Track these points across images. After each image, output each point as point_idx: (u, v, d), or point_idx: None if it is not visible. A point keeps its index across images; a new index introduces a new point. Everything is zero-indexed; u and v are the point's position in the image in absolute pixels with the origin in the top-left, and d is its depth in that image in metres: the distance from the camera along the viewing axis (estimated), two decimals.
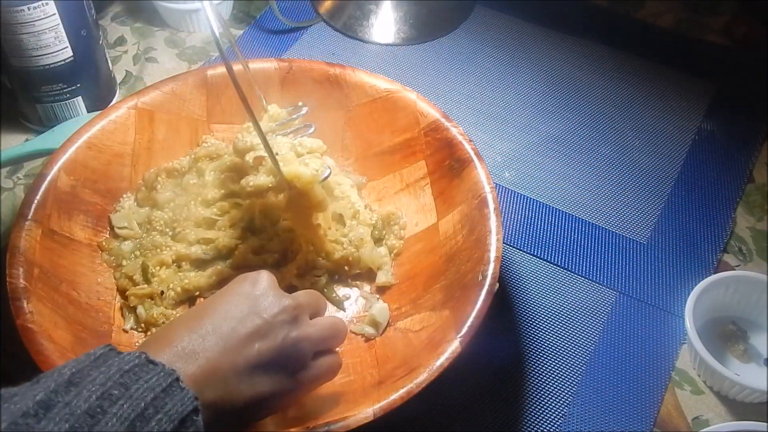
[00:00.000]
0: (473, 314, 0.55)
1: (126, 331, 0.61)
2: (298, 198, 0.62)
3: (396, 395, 0.51)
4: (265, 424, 0.54)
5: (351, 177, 0.71)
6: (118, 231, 0.66)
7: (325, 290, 0.65)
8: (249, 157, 0.64)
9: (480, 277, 0.57)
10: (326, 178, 0.62)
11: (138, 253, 0.65)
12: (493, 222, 0.60)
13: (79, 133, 0.66)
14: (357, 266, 0.66)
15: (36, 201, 0.61)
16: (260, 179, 0.62)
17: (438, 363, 0.52)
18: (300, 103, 0.70)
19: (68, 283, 0.60)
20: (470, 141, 0.66)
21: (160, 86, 0.70)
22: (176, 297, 0.62)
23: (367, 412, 0.50)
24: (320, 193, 0.62)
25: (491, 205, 0.61)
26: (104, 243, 0.65)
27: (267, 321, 0.47)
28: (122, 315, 0.62)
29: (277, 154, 0.61)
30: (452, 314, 0.57)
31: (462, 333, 0.54)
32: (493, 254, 0.58)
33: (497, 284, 0.56)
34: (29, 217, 0.60)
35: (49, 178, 0.63)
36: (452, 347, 0.53)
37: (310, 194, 0.62)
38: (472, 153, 0.65)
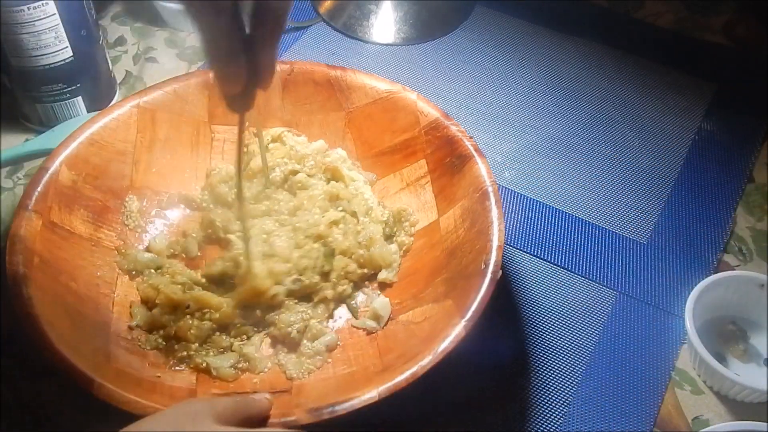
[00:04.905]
0: (477, 299, 0.55)
1: (131, 328, 0.61)
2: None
3: (401, 377, 0.51)
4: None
5: (362, 173, 0.71)
6: (151, 246, 0.67)
7: (349, 299, 0.65)
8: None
9: (483, 266, 0.57)
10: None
11: (154, 271, 0.65)
12: (494, 213, 0.60)
13: (81, 129, 0.66)
14: (369, 266, 0.65)
15: (37, 193, 0.62)
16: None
17: (442, 346, 0.52)
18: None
19: (67, 275, 0.60)
20: (470, 138, 0.66)
21: (163, 86, 0.70)
22: (200, 317, 0.62)
23: (371, 393, 0.50)
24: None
25: (492, 198, 0.61)
26: (121, 248, 0.65)
27: None
28: (131, 313, 0.62)
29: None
30: (455, 303, 0.57)
31: (467, 317, 0.54)
32: (495, 243, 0.58)
33: (500, 271, 0.56)
34: (30, 207, 0.60)
35: (50, 171, 0.63)
36: (456, 331, 0.53)
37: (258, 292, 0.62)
38: (472, 149, 0.65)
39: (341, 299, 0.65)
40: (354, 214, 0.67)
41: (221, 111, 0.72)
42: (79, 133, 0.66)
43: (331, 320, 0.64)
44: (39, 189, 0.62)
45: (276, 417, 0.51)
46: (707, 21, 0.93)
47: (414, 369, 0.51)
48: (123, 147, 0.68)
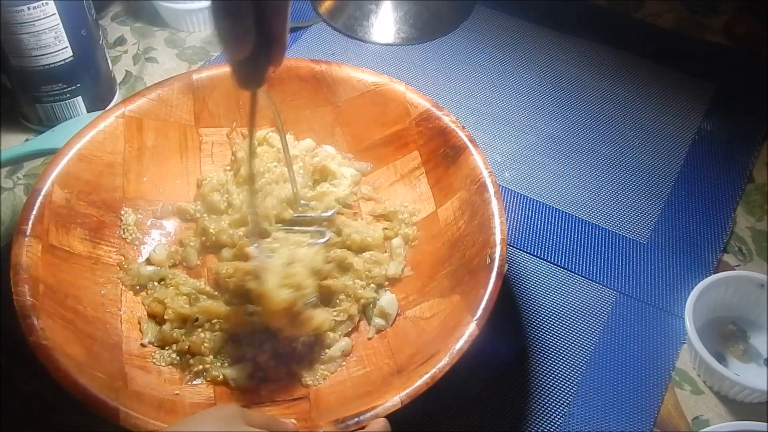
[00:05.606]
0: (486, 296, 0.55)
1: (144, 346, 0.60)
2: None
3: (421, 381, 0.51)
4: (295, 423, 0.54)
5: (354, 165, 0.71)
6: (151, 258, 0.66)
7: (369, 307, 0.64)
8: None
9: (488, 260, 0.57)
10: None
11: (158, 282, 0.64)
12: (495, 205, 0.60)
13: (69, 145, 0.65)
14: (374, 266, 0.64)
15: (32, 216, 0.60)
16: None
17: (458, 346, 0.52)
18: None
19: (73, 297, 0.59)
20: (463, 128, 0.66)
21: (147, 93, 0.70)
22: (210, 328, 0.61)
23: (394, 400, 0.50)
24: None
25: (491, 189, 0.61)
26: (123, 263, 0.65)
27: None
28: (140, 329, 0.61)
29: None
30: (463, 298, 0.57)
31: (477, 315, 0.54)
32: (498, 237, 0.58)
33: (506, 265, 0.56)
34: (28, 233, 0.59)
35: (43, 192, 0.62)
36: (469, 330, 0.53)
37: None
38: (466, 139, 0.65)
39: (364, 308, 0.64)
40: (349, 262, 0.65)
41: (207, 113, 0.71)
42: (67, 149, 0.65)
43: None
44: (34, 212, 0.60)
45: (302, 429, 0.51)
46: (707, 21, 0.93)
47: (433, 371, 0.51)
48: (112, 159, 0.67)
